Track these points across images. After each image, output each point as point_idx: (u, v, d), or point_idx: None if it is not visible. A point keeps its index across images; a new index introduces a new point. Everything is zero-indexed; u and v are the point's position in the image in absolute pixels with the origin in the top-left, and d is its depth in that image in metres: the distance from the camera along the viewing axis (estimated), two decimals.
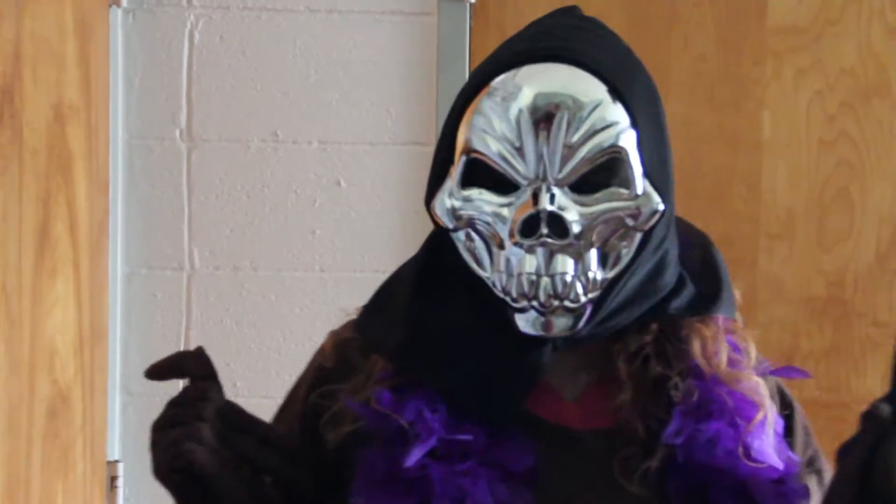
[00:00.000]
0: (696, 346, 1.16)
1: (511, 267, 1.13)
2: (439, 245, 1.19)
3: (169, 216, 2.35)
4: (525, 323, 1.14)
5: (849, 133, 2.30)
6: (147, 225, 2.35)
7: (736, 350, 1.18)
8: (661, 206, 1.14)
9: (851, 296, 2.31)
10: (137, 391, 2.33)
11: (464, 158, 1.15)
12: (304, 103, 2.35)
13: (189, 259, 2.36)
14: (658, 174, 1.15)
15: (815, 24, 2.29)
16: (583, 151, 1.12)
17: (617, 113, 1.13)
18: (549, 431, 1.14)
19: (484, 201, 1.14)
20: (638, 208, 1.13)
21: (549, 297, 1.12)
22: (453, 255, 1.17)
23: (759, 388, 1.16)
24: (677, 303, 1.16)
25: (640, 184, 1.13)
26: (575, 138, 1.12)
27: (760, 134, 2.30)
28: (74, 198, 2.09)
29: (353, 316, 1.23)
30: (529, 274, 1.12)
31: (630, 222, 1.13)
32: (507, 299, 1.14)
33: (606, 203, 1.13)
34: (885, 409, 1.08)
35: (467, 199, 1.15)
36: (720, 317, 1.18)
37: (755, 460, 1.12)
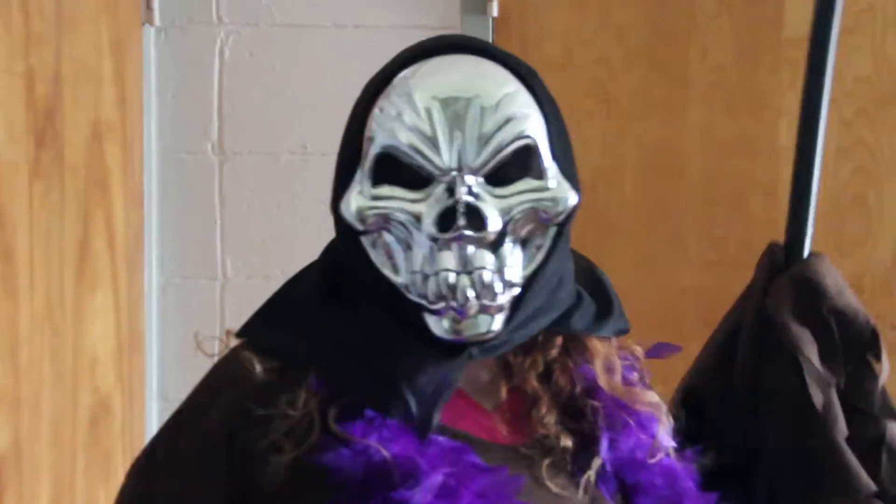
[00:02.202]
0: (596, 364, 1.16)
1: (426, 266, 1.07)
2: (340, 253, 1.12)
3: (202, 227, 2.38)
4: (439, 327, 1.08)
5: (865, 140, 2.32)
6: (181, 236, 2.39)
7: (629, 366, 1.19)
8: (576, 198, 1.11)
9: (869, 299, 2.33)
10: (175, 398, 2.37)
11: (373, 154, 1.09)
12: (332, 116, 2.33)
13: (222, 269, 2.39)
14: (568, 168, 1.12)
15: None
16: (496, 140, 1.08)
17: (528, 103, 1.10)
18: (484, 447, 1.10)
19: (396, 198, 1.08)
20: (553, 199, 1.09)
21: (466, 296, 1.06)
22: (359, 261, 1.10)
23: (653, 398, 1.18)
24: (579, 318, 1.15)
25: (554, 175, 1.10)
26: (487, 127, 1.08)
27: (778, 142, 2.32)
28: (112, 212, 2.12)
29: (231, 342, 1.15)
30: (446, 271, 1.06)
31: (544, 216, 1.10)
32: (424, 302, 1.08)
33: (522, 195, 1.09)
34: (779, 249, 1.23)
35: (377, 198, 1.09)
36: (612, 334, 1.18)
37: (667, 464, 1.16)
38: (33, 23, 1.78)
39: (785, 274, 1.27)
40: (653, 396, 1.18)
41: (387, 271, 1.10)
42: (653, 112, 2.32)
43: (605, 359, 1.17)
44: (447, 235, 1.07)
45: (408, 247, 1.09)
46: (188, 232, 2.38)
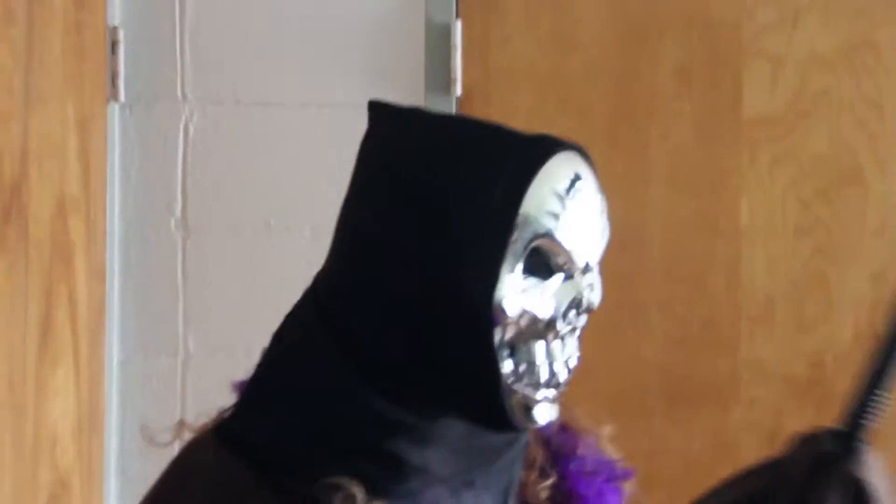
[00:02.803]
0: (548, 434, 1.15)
1: (542, 356, 1.05)
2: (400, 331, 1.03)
3: (164, 303, 2.38)
4: (543, 415, 1.05)
5: (823, 219, 2.35)
6: (143, 312, 2.38)
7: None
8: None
9: (832, 375, 2.34)
10: (134, 475, 2.34)
11: (526, 239, 1.03)
12: (296, 193, 2.39)
13: (184, 344, 2.38)
14: None
15: (788, 115, 2.34)
16: (605, 240, 1.10)
17: None
18: None
19: (536, 292, 1.04)
20: (598, 295, 1.10)
21: (557, 384, 1.06)
22: (466, 351, 1.02)
23: (604, 452, 1.18)
24: None
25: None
26: (601, 227, 1.09)
27: (738, 221, 2.34)
28: (75, 287, 2.12)
29: (186, 435, 1.08)
30: (552, 361, 1.05)
31: (589, 308, 1.08)
32: (528, 391, 1.04)
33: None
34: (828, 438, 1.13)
35: (525, 290, 1.04)
36: None
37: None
38: (2, 100, 1.79)
39: (837, 470, 1.16)
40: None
41: (502, 361, 1.04)
42: (615, 189, 2.31)
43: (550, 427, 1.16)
44: (566, 329, 1.06)
45: (531, 337, 1.05)
46: (150, 307, 2.38)
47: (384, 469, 1.03)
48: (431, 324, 1.02)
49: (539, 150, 1.05)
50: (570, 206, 1.05)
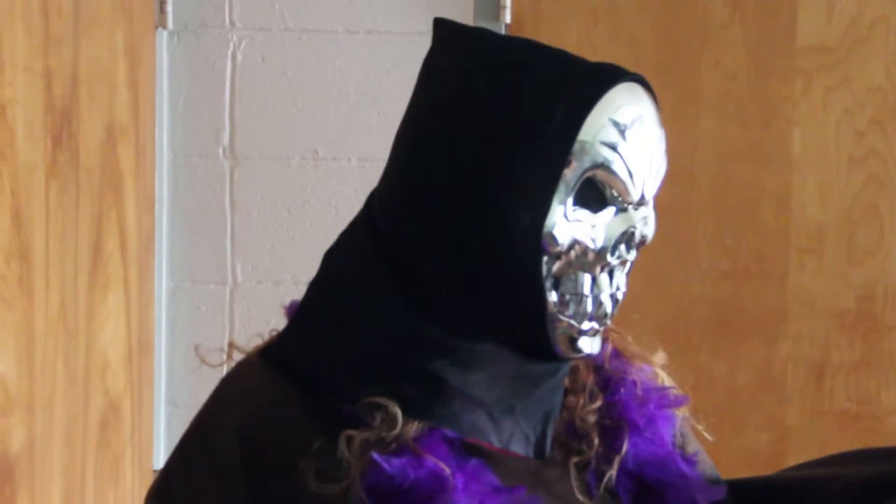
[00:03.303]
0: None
1: (587, 288, 1.04)
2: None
3: (212, 232, 2.38)
4: (588, 345, 1.05)
5: (878, 150, 2.32)
6: (191, 241, 2.38)
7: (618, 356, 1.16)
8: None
9: (881, 309, 2.33)
10: (183, 403, 2.36)
11: (579, 172, 1.02)
12: (344, 122, 2.38)
13: (232, 273, 2.39)
14: None
15: (843, 44, 2.31)
16: (661, 176, 1.07)
17: None
18: (501, 462, 1.06)
19: (587, 224, 1.03)
20: (653, 227, 1.08)
21: (603, 316, 1.05)
22: (516, 280, 1.01)
23: (656, 379, 1.16)
24: None
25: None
26: (660, 163, 1.06)
27: (790, 151, 2.32)
28: (124, 215, 2.12)
29: (236, 357, 1.08)
30: (598, 294, 1.04)
31: (642, 241, 1.07)
32: (574, 321, 1.04)
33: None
34: None
35: (577, 221, 1.03)
36: None
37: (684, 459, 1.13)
38: (52, 23, 1.78)
39: None
40: (653, 373, 1.16)
41: (548, 293, 1.03)
42: (664, 120, 2.30)
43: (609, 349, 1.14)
44: (616, 262, 1.05)
45: (573, 270, 1.04)
46: (198, 236, 2.38)
47: (426, 391, 1.04)
48: (481, 249, 1.02)
49: (600, 78, 1.03)
50: (629, 138, 1.02)
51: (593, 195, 1.03)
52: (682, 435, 1.17)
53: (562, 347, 1.04)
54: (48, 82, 1.77)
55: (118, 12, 2.08)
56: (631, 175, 1.03)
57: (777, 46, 2.32)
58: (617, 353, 1.15)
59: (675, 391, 1.16)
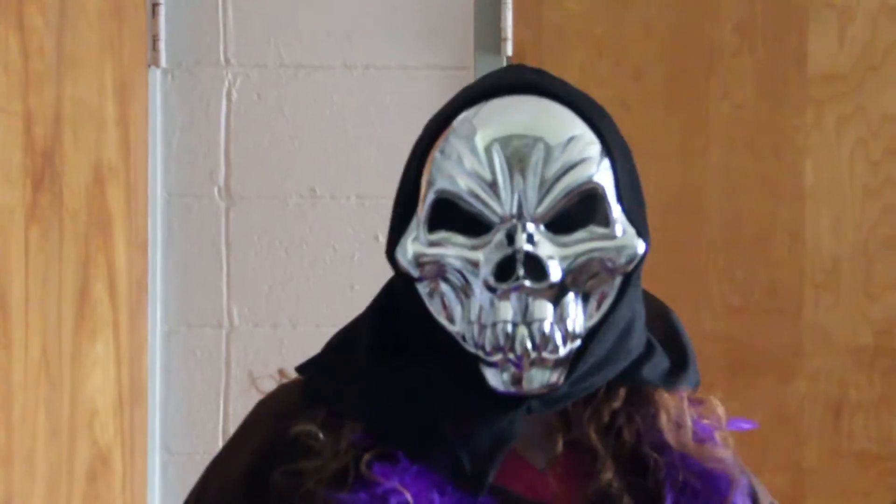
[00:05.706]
0: (663, 419, 1.10)
1: (484, 316, 1.04)
2: (396, 298, 1.10)
3: (208, 274, 2.36)
4: (497, 380, 1.04)
5: (894, 179, 2.29)
6: (186, 283, 2.36)
7: (700, 424, 1.13)
8: (643, 246, 1.07)
9: None
10: (178, 450, 2.32)
11: (430, 199, 1.06)
12: (342, 158, 2.37)
13: (228, 316, 2.37)
14: (636, 213, 1.08)
15: (856, 71, 2.29)
16: (560, 186, 1.05)
17: (593, 147, 1.06)
18: None
19: (453, 244, 1.06)
20: (619, 248, 1.05)
21: (525, 348, 1.03)
22: (415, 309, 1.08)
23: (728, 461, 1.12)
24: (649, 370, 1.10)
25: (620, 222, 1.06)
26: (551, 172, 1.04)
27: (803, 182, 2.29)
28: (114, 258, 2.11)
29: (283, 381, 1.14)
30: (504, 323, 1.03)
31: (609, 265, 1.05)
32: (480, 353, 1.05)
33: (586, 243, 1.05)
34: None
35: (435, 244, 1.06)
36: (684, 388, 1.13)
37: None
38: (32, 62, 1.77)
39: None
40: (725, 453, 1.12)
41: (442, 320, 1.07)
42: (672, 152, 2.29)
43: (676, 413, 1.10)
44: (505, 286, 1.04)
45: (465, 296, 1.06)
46: (193, 279, 2.36)
47: (386, 416, 1.09)
48: (397, 286, 1.11)
49: (443, 114, 1.09)
50: (483, 157, 1.05)
51: (469, 219, 1.06)
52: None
53: (491, 381, 1.06)
54: (28, 123, 1.77)
55: (106, 51, 2.09)
56: (493, 195, 1.04)
57: (787, 75, 2.30)
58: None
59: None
